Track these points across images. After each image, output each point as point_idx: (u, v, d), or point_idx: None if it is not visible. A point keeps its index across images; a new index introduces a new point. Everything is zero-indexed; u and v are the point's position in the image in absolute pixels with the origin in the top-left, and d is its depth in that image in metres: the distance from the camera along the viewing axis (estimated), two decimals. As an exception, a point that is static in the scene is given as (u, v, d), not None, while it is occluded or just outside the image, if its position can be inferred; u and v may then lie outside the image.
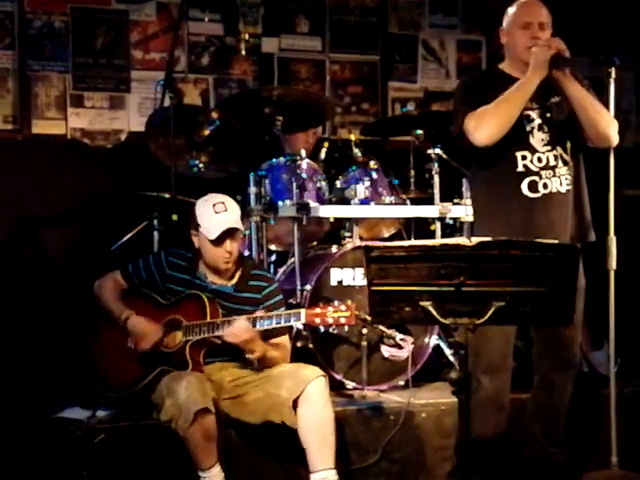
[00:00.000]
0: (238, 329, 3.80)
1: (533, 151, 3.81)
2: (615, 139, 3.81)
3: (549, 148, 3.82)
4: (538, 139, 3.82)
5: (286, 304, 4.18)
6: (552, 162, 3.82)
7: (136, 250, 4.89)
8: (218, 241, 3.96)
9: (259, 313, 3.90)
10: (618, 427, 3.85)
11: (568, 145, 3.82)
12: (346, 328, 4.40)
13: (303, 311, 3.80)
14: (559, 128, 3.83)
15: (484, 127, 3.75)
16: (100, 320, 4.11)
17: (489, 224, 3.84)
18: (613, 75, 3.77)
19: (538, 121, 3.83)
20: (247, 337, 3.80)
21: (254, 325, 3.82)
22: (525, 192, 3.80)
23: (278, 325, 3.82)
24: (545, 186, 3.80)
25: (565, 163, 3.83)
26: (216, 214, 3.98)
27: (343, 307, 3.76)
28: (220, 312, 3.93)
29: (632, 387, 4.63)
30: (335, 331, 4.50)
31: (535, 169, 3.81)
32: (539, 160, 3.81)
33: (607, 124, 3.79)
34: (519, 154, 3.81)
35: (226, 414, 3.88)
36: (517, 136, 3.79)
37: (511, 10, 3.90)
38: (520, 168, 3.81)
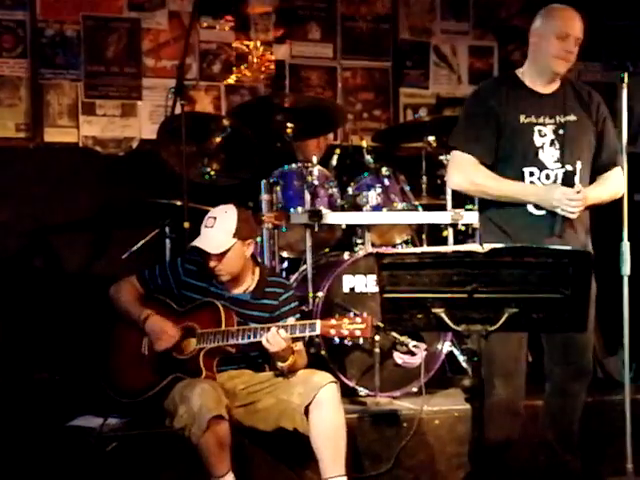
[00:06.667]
0: (280, 337, 3.74)
1: (542, 168, 3.74)
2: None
3: (559, 165, 3.75)
4: (548, 155, 3.75)
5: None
6: (560, 179, 3.74)
7: (148, 258, 4.91)
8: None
9: (290, 322, 3.88)
10: (633, 433, 3.83)
11: (578, 165, 3.70)
12: (361, 340, 4.38)
13: (318, 322, 3.78)
14: (572, 146, 3.76)
15: (460, 179, 3.82)
16: (114, 326, 4.11)
17: (493, 239, 3.73)
18: (626, 80, 3.76)
19: (551, 137, 3.76)
20: (285, 345, 3.78)
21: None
22: (530, 209, 3.74)
23: (293, 335, 3.80)
24: None
25: (574, 182, 3.70)
26: (205, 228, 3.98)
27: (359, 319, 3.72)
28: (235, 320, 3.91)
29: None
30: (350, 343, 4.49)
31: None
32: (547, 177, 3.75)
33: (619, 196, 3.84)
34: (527, 170, 3.74)
35: (239, 422, 3.87)
36: (527, 151, 3.74)
37: (551, 14, 3.76)
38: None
